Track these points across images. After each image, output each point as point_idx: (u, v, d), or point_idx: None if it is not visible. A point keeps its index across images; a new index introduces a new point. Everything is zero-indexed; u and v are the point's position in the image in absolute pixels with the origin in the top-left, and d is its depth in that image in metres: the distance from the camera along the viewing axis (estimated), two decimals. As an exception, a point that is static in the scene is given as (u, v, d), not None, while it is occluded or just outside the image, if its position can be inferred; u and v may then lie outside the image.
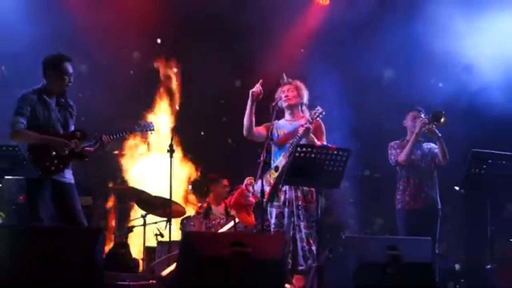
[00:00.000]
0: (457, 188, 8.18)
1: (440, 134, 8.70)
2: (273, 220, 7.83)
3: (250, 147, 8.92)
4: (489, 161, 7.89)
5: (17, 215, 9.13)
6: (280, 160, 7.80)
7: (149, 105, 12.70)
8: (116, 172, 12.12)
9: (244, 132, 8.05)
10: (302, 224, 7.68)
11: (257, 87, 7.88)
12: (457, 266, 9.89)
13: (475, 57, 10.76)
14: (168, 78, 12.86)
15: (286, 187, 7.78)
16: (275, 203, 7.82)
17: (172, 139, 9.01)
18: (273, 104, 7.98)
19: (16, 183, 8.41)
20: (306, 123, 7.67)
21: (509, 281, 6.90)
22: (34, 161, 7.33)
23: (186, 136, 12.02)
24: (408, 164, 8.79)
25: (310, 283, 7.29)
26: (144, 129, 8.29)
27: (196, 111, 12.68)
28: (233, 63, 12.27)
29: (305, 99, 8.07)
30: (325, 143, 7.83)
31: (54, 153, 7.42)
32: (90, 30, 11.38)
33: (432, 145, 8.91)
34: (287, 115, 8.05)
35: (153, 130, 8.33)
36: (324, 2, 12.21)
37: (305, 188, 7.70)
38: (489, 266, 7.79)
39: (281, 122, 8.06)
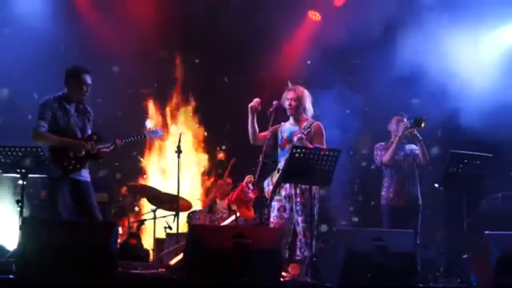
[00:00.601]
0: (436, 185, 8.20)
1: (421, 137, 8.69)
2: (274, 213, 7.79)
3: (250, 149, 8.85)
4: (465, 161, 7.94)
5: (40, 209, 9.12)
6: (281, 164, 7.78)
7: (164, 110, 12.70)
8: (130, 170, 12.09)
9: (250, 140, 8.04)
10: (300, 219, 7.65)
11: (255, 102, 7.86)
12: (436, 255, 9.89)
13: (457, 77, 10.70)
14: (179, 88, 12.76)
15: (286, 184, 7.77)
16: (277, 197, 7.79)
17: (179, 141, 9.03)
18: (271, 110, 7.96)
19: (40, 180, 8.52)
20: (300, 133, 7.71)
21: (482, 269, 6.89)
22: (54, 161, 7.43)
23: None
24: (392, 164, 8.78)
25: (304, 271, 7.27)
26: (153, 135, 8.42)
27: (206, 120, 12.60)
28: (239, 77, 12.21)
29: (307, 103, 8.00)
30: (324, 145, 7.80)
31: (72, 154, 7.50)
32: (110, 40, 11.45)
33: (414, 146, 8.90)
34: (291, 119, 8.01)
35: (161, 136, 8.42)
36: (316, 18, 12.15)
37: (303, 186, 7.66)
38: (465, 256, 7.81)
39: (286, 126, 8.01)
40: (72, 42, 11.12)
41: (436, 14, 10.80)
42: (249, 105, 7.89)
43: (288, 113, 7.97)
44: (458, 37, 10.73)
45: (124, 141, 7.90)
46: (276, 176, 7.76)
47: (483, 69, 10.84)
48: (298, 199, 7.69)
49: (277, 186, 7.79)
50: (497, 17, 10.95)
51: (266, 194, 7.94)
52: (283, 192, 7.78)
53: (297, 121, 7.95)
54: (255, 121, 7.95)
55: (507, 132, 9.79)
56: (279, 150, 7.94)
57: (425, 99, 10.87)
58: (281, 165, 7.76)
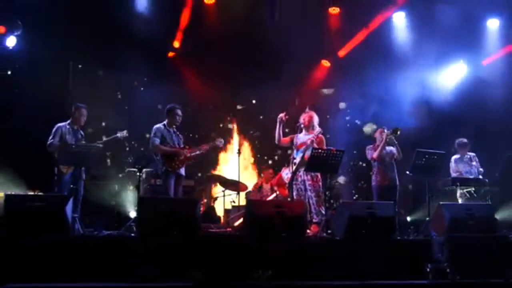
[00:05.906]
0: (408, 172, 8.11)
1: (396, 142, 8.56)
2: (295, 192, 7.78)
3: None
4: (426, 156, 7.84)
5: (150, 191, 9.23)
6: (297, 160, 7.78)
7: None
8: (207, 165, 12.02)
9: (276, 141, 8.08)
10: (312, 195, 7.67)
11: (281, 116, 7.90)
12: (408, 218, 9.74)
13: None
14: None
15: (301, 172, 7.75)
16: (295, 182, 7.78)
17: (239, 146, 9.07)
18: (297, 125, 8.03)
19: (150, 172, 8.75)
20: (311, 139, 7.73)
21: (439, 227, 6.80)
22: (166, 162, 7.81)
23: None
24: (379, 159, 8.68)
25: (321, 229, 7.27)
26: (219, 144, 8.50)
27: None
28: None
29: (315, 122, 8.00)
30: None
31: (175, 158, 7.84)
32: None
33: (392, 148, 8.74)
34: (304, 131, 8.01)
35: (222, 144, 8.61)
36: (326, 65, 11.97)
37: (313, 174, 7.69)
38: (427, 219, 7.71)
39: (300, 135, 7.99)
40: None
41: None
42: (278, 116, 7.95)
43: (303, 126, 8.01)
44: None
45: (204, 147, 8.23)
46: (294, 168, 7.76)
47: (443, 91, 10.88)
48: (310, 182, 7.71)
49: (294, 175, 7.78)
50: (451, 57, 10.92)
51: (286, 181, 7.98)
52: (299, 179, 7.78)
53: (307, 132, 7.98)
54: (281, 128, 8.00)
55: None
56: (295, 150, 7.91)
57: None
58: (297, 160, 7.77)
